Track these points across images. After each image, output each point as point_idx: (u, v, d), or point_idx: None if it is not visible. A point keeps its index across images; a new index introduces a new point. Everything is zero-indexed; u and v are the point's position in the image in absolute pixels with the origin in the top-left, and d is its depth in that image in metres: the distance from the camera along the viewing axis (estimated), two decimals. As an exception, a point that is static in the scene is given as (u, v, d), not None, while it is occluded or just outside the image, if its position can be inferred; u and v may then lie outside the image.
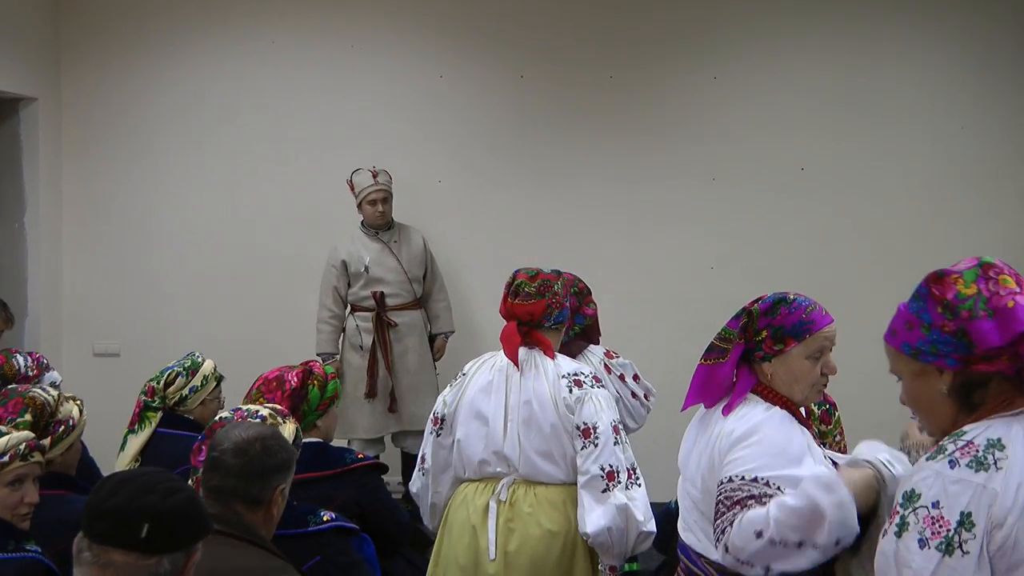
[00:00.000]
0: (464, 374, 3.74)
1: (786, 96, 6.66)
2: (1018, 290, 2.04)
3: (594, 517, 3.39)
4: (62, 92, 6.85)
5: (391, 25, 6.80)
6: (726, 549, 2.45)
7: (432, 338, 6.29)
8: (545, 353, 3.60)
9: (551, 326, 3.65)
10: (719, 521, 2.47)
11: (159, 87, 6.84)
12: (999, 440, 1.95)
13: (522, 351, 3.59)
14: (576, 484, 3.50)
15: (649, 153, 6.70)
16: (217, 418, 3.09)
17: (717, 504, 2.50)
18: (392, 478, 6.20)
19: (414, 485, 3.84)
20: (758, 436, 2.56)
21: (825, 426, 3.53)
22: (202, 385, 4.06)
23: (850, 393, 5.52)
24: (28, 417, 3.21)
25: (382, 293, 6.07)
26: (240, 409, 3.08)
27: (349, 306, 6.19)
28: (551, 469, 3.54)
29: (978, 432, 1.98)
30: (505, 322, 3.65)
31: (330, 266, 6.16)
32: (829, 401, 3.58)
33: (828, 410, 3.57)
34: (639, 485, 3.46)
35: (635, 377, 4.55)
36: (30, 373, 3.98)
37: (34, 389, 3.38)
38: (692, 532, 2.73)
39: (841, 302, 6.56)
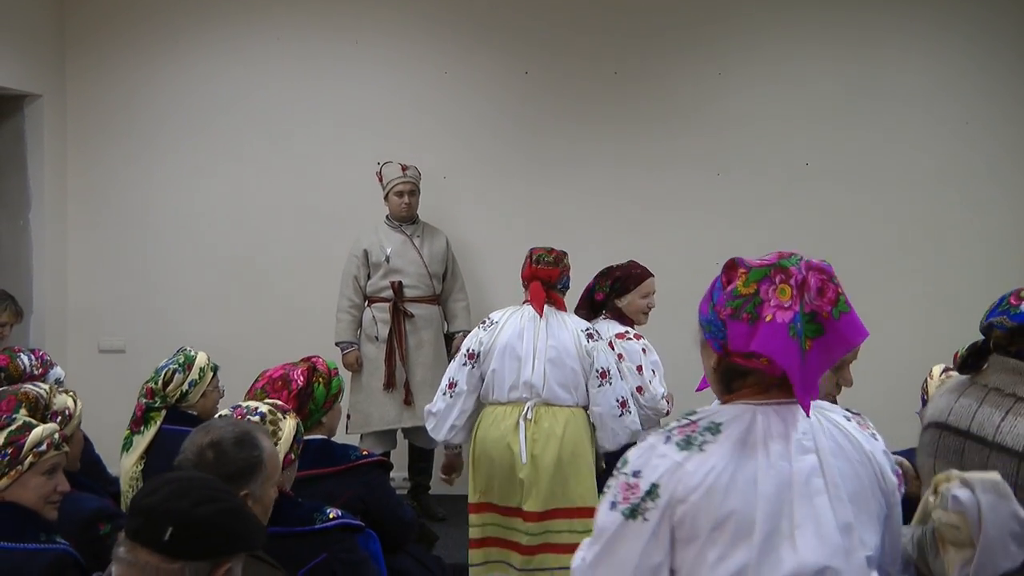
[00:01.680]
0: (495, 322, 4.73)
1: (791, 90, 6.65)
2: (789, 304, 2.11)
3: (618, 438, 4.56)
4: (67, 88, 6.85)
5: (395, 21, 6.79)
6: None
7: (450, 337, 6.29)
8: (560, 308, 4.72)
9: (560, 288, 4.75)
10: None
11: (164, 83, 6.84)
12: (718, 425, 2.11)
13: (545, 306, 4.66)
14: (580, 406, 4.62)
15: (654, 147, 6.70)
16: (217, 415, 3.09)
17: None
18: (397, 474, 6.21)
19: (435, 406, 4.74)
20: None
21: None
22: (200, 377, 4.08)
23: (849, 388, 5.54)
24: (23, 412, 3.21)
25: (400, 283, 6.07)
26: (240, 406, 3.07)
27: (367, 298, 6.18)
28: (566, 396, 4.61)
29: (706, 415, 2.15)
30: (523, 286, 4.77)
31: (351, 256, 6.17)
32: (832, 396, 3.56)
33: None
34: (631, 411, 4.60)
35: (639, 368, 4.83)
36: (35, 372, 3.98)
37: (25, 385, 3.39)
38: None
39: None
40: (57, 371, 4.13)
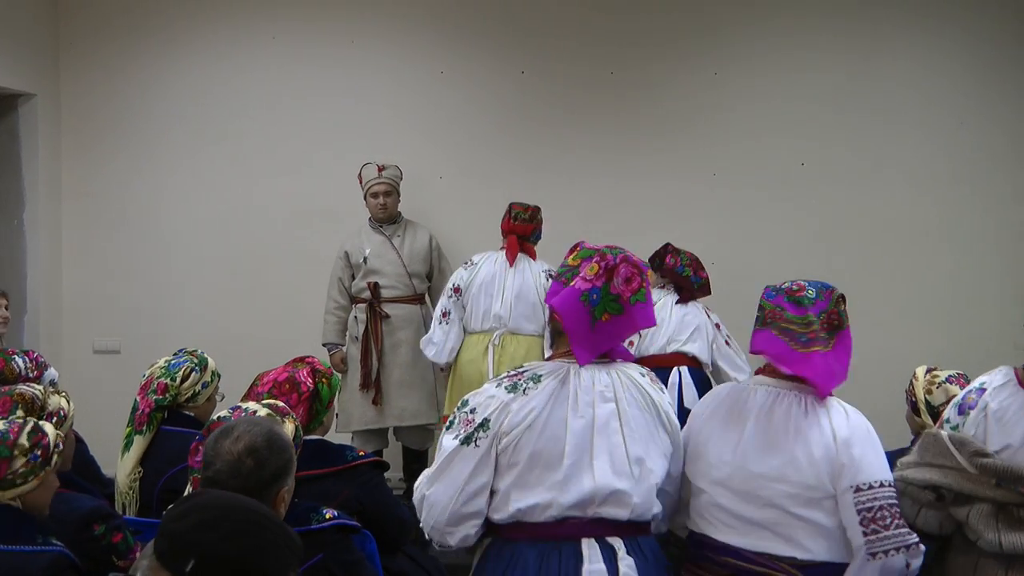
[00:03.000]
0: (475, 263, 5.80)
1: (786, 93, 6.66)
2: (591, 279, 2.73)
3: None
4: (61, 88, 6.84)
5: (392, 21, 6.79)
6: None
7: None
8: (531, 256, 5.78)
9: (533, 240, 5.83)
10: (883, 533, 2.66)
11: (158, 82, 6.83)
12: (540, 376, 2.75)
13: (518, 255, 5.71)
14: (540, 335, 5.60)
15: (649, 149, 6.70)
16: (215, 417, 3.08)
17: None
18: (393, 474, 6.20)
19: (433, 335, 5.74)
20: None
21: None
22: (211, 381, 4.08)
23: (843, 385, 5.53)
24: (20, 413, 3.20)
25: (376, 284, 6.09)
26: (239, 408, 3.06)
27: (352, 299, 6.20)
28: (529, 326, 5.67)
29: (531, 368, 2.79)
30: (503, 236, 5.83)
31: (337, 258, 6.23)
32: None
33: None
34: None
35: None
36: (31, 374, 3.96)
37: (20, 386, 3.38)
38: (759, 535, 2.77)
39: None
40: (51, 373, 4.11)
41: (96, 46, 6.84)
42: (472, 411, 2.74)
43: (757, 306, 2.96)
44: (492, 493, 2.72)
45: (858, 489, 2.66)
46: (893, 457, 2.92)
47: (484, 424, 2.70)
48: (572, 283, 2.74)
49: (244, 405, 3.09)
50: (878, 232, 6.65)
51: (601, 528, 2.69)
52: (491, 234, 6.31)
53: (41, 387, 3.44)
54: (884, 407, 5.05)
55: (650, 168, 6.69)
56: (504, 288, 5.69)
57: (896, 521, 2.64)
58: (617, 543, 2.69)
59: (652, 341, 5.47)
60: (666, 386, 4.86)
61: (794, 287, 2.91)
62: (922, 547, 2.67)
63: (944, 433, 2.76)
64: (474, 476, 2.70)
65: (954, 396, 3.63)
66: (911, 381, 3.86)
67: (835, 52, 6.65)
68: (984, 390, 2.80)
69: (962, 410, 2.83)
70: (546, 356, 2.88)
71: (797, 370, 2.79)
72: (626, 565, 2.66)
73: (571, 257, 2.82)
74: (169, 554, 1.96)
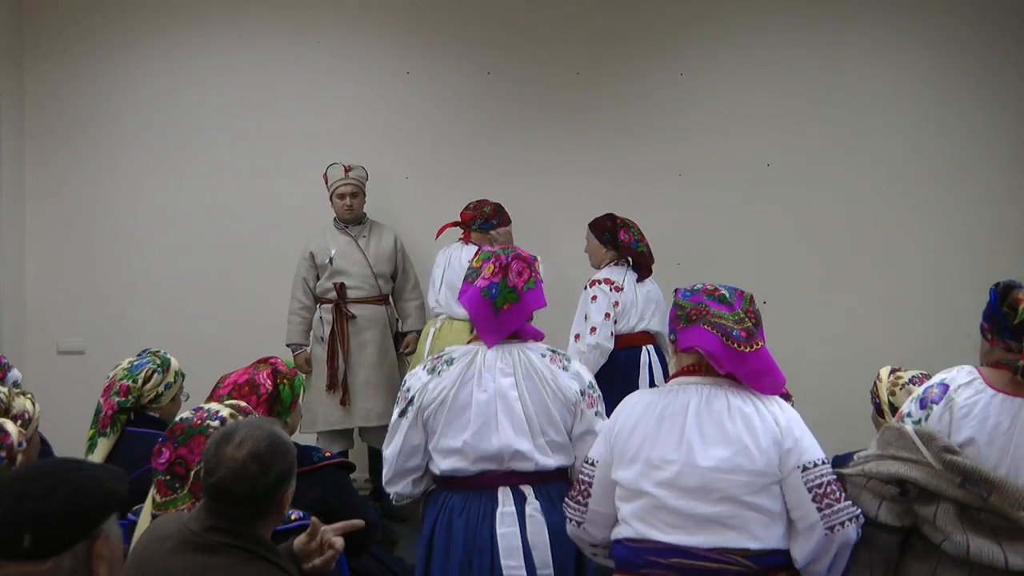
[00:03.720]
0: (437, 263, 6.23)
1: (753, 92, 6.70)
2: (488, 277, 3.43)
3: None
4: (25, 88, 6.79)
5: (358, 22, 6.79)
6: None
7: (401, 336, 6.31)
8: (467, 243, 6.16)
9: (474, 229, 6.16)
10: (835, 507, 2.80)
11: (124, 83, 6.80)
12: (453, 359, 3.45)
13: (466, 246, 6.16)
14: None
15: (616, 149, 6.73)
16: (178, 418, 3.07)
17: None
18: (359, 475, 6.20)
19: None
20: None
21: None
22: (174, 381, 4.05)
23: (810, 384, 5.59)
24: None
25: (343, 284, 6.09)
26: (201, 409, 3.06)
27: (316, 299, 6.18)
28: (462, 312, 5.64)
29: (447, 353, 3.49)
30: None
31: (301, 258, 6.22)
32: (784, 392, 3.58)
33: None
34: None
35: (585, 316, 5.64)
36: None
37: None
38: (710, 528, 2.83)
39: (807, 296, 6.66)
40: (15, 374, 4.07)
41: (61, 46, 6.80)
42: (408, 390, 3.47)
43: (672, 308, 3.02)
44: (429, 453, 3.47)
45: (805, 468, 2.78)
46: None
47: (411, 400, 3.44)
48: (475, 282, 3.45)
49: (206, 406, 3.09)
50: (847, 232, 6.70)
51: (514, 478, 3.38)
52: (457, 235, 6.33)
53: (5, 389, 3.41)
54: (850, 406, 5.11)
55: (616, 168, 6.72)
56: (442, 276, 6.10)
57: (843, 495, 2.79)
58: (528, 490, 3.39)
59: (627, 322, 5.54)
60: (638, 365, 5.49)
61: (708, 287, 2.99)
62: (863, 519, 2.80)
63: (908, 427, 2.78)
64: (407, 440, 3.46)
65: (917, 395, 3.67)
66: (875, 382, 3.87)
67: (801, 54, 6.70)
68: (947, 386, 2.83)
69: (924, 404, 2.85)
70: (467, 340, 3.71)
71: (734, 369, 2.88)
72: (533, 508, 3.37)
73: (475, 260, 3.56)
74: (6, 544, 1.94)
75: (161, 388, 3.99)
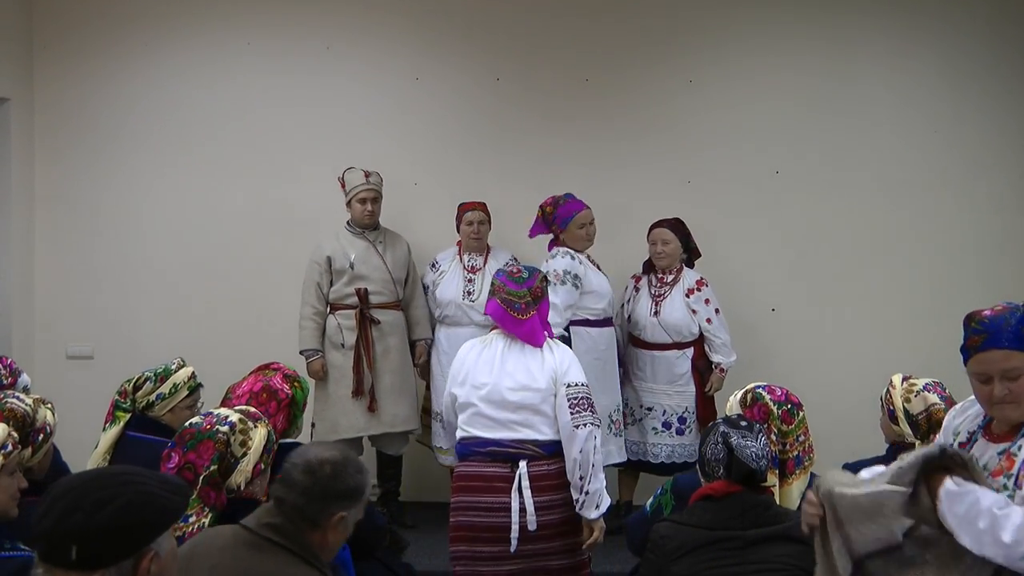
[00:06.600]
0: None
1: (761, 100, 6.69)
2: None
3: None
4: (35, 93, 6.81)
5: (367, 27, 6.79)
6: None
7: (413, 344, 6.29)
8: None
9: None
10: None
11: (133, 88, 6.81)
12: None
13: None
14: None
15: (624, 154, 6.72)
16: (188, 424, 3.07)
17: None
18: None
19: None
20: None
21: (786, 426, 3.51)
22: (170, 393, 4.02)
23: (819, 391, 5.57)
24: (11, 430, 3.17)
25: (366, 290, 6.06)
26: (211, 414, 3.06)
27: (329, 305, 6.16)
28: None
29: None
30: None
31: (313, 263, 6.14)
32: (792, 401, 3.57)
33: (790, 410, 3.54)
34: None
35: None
36: (4, 381, 3.95)
37: (9, 400, 3.35)
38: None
39: (815, 304, 6.64)
40: (24, 379, 4.09)
41: (70, 51, 6.81)
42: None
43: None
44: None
45: (568, 386, 4.13)
46: (869, 465, 2.89)
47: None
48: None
49: (216, 411, 3.09)
50: (854, 239, 6.68)
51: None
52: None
53: (30, 400, 3.40)
54: (859, 413, 5.09)
55: (624, 175, 6.71)
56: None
57: (590, 406, 4.11)
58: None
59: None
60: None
61: (513, 270, 4.34)
62: (599, 423, 4.14)
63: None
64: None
65: (932, 404, 3.66)
66: (887, 389, 3.84)
67: (810, 61, 6.69)
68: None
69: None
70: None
71: (512, 330, 4.25)
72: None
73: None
74: (51, 553, 1.96)
75: (152, 397, 3.99)
